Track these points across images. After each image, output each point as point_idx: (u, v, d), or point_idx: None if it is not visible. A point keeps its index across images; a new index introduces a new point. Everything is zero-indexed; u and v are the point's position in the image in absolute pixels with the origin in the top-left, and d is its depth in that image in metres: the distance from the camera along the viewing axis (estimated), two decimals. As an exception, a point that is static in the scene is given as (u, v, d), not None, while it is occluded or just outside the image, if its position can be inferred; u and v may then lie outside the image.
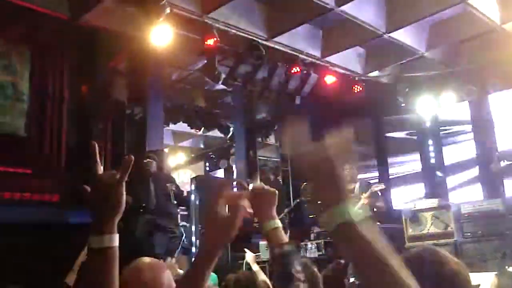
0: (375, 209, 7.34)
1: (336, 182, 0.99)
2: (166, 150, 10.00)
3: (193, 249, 7.59)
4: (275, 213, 1.72)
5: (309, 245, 8.74)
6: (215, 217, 1.43)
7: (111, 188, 1.40)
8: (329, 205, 0.96)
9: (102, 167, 1.44)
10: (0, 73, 7.61)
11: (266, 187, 1.72)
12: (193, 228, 7.74)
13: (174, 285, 1.88)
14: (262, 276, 4.79)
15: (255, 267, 5.77)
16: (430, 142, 10.54)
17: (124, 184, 1.40)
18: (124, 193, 1.40)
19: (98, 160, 1.44)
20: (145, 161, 7.07)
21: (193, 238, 7.66)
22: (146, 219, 6.71)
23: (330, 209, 0.96)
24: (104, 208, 1.39)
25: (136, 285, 1.84)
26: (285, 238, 1.66)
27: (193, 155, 15.60)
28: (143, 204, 6.72)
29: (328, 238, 8.36)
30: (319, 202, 1.00)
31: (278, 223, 1.70)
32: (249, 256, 5.85)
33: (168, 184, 7.29)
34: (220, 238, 1.45)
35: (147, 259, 1.97)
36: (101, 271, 1.36)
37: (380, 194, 7.71)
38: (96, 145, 1.48)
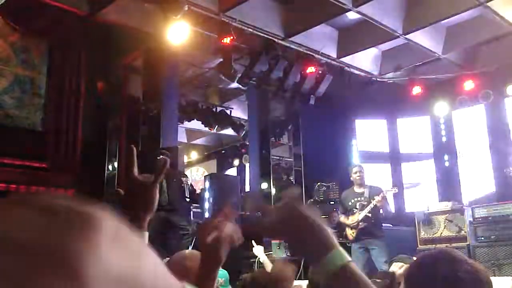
0: (383, 213, 7.30)
1: (322, 232, 1.01)
2: (179, 147, 10.05)
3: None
4: None
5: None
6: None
7: (145, 189, 1.48)
8: (323, 254, 0.99)
9: (137, 169, 1.52)
10: (19, 68, 7.69)
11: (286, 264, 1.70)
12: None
13: None
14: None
15: (263, 257, 5.78)
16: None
17: (157, 185, 1.50)
18: (158, 194, 1.48)
19: (135, 162, 1.52)
20: (158, 157, 7.11)
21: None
22: (158, 216, 6.75)
23: (326, 256, 0.98)
24: (137, 207, 1.48)
25: (180, 271, 1.89)
26: None
27: (206, 153, 15.66)
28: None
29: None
30: (308, 254, 1.04)
31: None
32: (258, 249, 5.84)
33: (183, 179, 7.34)
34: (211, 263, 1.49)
35: (188, 250, 2.06)
36: None
37: (390, 198, 7.63)
38: (134, 149, 1.56)
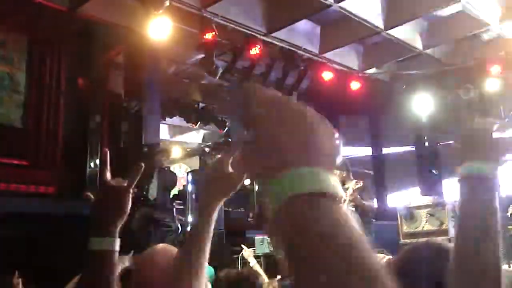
0: (362, 208, 7.39)
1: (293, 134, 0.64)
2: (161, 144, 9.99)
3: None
4: None
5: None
6: (221, 171, 1.37)
7: (118, 195, 1.44)
8: (275, 171, 0.60)
9: (110, 173, 1.47)
10: (-3, 64, 7.58)
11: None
12: (189, 221, 7.75)
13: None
14: (260, 271, 4.83)
15: (253, 261, 5.82)
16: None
17: (131, 191, 1.45)
18: (130, 199, 1.44)
19: (108, 166, 1.47)
20: (157, 155, 7.20)
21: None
22: (143, 211, 6.72)
23: (279, 175, 0.60)
24: (109, 212, 1.43)
25: (150, 268, 1.85)
26: None
27: (188, 150, 15.59)
28: (144, 194, 6.75)
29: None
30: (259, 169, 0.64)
31: None
32: (247, 252, 5.89)
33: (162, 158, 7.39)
34: (221, 193, 1.40)
35: (161, 245, 1.99)
36: (98, 274, 1.37)
37: (362, 191, 7.67)
38: (108, 152, 1.52)
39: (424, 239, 7.35)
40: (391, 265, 1.61)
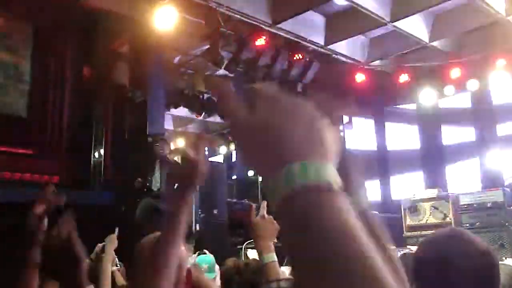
0: None
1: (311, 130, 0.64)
2: (166, 134, 9.98)
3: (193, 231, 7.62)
4: (273, 246, 1.78)
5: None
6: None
7: (62, 249, 1.35)
8: (280, 166, 0.60)
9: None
10: (2, 53, 7.59)
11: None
12: (193, 211, 7.76)
13: (185, 264, 1.87)
14: None
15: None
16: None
17: (75, 240, 1.33)
18: (82, 250, 1.34)
19: (45, 219, 1.39)
20: (156, 144, 7.17)
21: (193, 220, 7.68)
22: (147, 201, 6.73)
23: (281, 170, 0.59)
24: (61, 267, 1.35)
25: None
26: (281, 273, 1.71)
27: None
28: (147, 185, 6.76)
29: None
30: (259, 164, 0.64)
31: (275, 257, 1.77)
32: (252, 253, 5.91)
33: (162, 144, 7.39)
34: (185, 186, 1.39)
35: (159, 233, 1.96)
36: None
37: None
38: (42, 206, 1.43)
39: (428, 232, 7.34)
40: (410, 258, 1.60)
